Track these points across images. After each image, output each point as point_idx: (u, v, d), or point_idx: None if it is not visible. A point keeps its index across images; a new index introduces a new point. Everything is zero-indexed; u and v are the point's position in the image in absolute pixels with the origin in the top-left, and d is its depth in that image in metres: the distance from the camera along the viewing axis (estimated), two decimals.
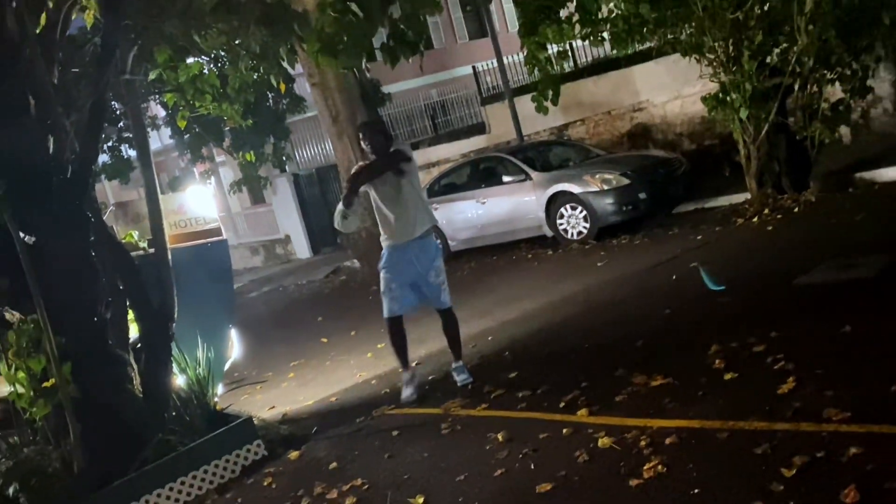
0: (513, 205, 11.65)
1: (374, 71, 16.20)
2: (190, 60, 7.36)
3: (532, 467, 4.31)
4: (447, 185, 13.01)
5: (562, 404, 5.06)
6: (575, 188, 10.85)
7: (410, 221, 5.82)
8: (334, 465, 5.25)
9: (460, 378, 6.10)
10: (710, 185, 11.42)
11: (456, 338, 6.20)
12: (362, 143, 5.99)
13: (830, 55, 8.94)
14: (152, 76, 6.93)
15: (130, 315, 6.01)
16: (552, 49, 11.08)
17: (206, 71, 7.01)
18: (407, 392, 6.12)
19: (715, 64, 9.62)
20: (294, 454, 5.71)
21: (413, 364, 6.43)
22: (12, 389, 5.21)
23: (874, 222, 7.48)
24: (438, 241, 6.35)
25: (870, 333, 4.71)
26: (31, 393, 5.23)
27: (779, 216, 8.85)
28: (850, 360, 4.41)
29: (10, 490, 5.19)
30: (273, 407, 7.17)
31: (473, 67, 17.86)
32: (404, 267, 5.88)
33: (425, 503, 4.29)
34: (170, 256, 6.17)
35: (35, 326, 5.16)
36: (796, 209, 8.92)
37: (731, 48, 9.34)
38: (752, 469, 3.57)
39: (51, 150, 5.45)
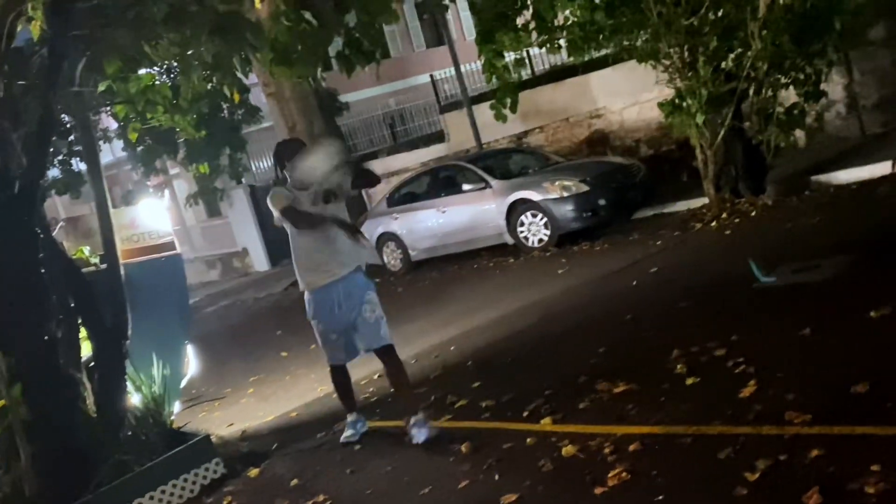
0: (473, 213, 11.63)
1: (331, 80, 16.10)
2: (141, 71, 7.22)
3: (497, 478, 4.25)
4: (407, 195, 12.95)
5: (525, 413, 5.02)
6: (535, 195, 10.85)
7: (335, 259, 5.00)
8: (295, 481, 5.15)
9: (420, 435, 4.99)
10: (669, 191, 11.51)
11: (405, 383, 5.28)
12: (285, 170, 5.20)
13: (784, 60, 9.06)
14: (102, 88, 6.78)
15: (83, 333, 5.85)
16: (509, 57, 11.10)
17: (157, 82, 6.88)
18: (348, 433, 5.51)
19: (671, 70, 9.69)
20: (254, 472, 5.59)
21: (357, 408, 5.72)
22: None
23: (831, 225, 7.57)
24: (371, 274, 5.50)
25: (829, 335, 4.74)
26: None
27: (737, 220, 8.93)
28: (810, 362, 4.43)
29: None
30: (232, 424, 7.04)
31: (431, 76, 17.86)
32: (336, 311, 5.08)
33: None
34: (122, 272, 6.03)
35: None
36: (754, 213, 9.00)
37: (686, 54, 9.42)
38: (716, 474, 3.55)
39: None
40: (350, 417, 5.56)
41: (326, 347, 5.28)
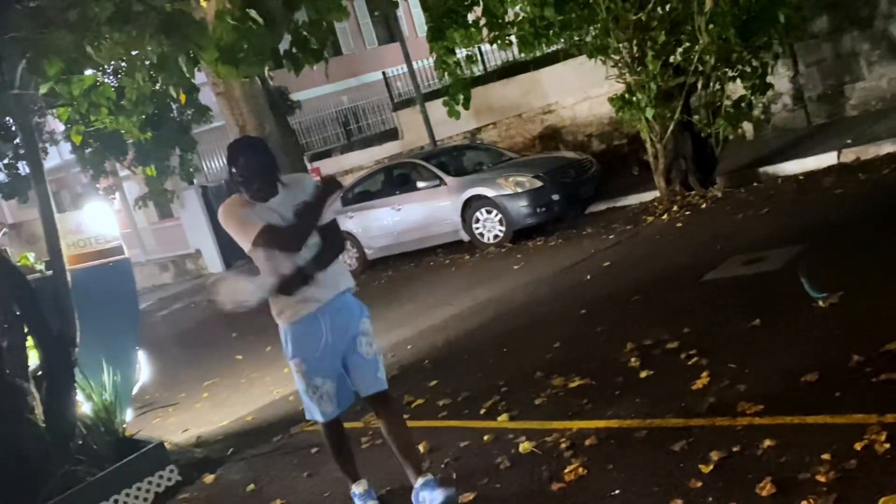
0: (428, 210, 11.60)
1: (282, 78, 15.94)
2: (88, 72, 7.05)
3: (454, 477, 4.24)
4: (361, 193, 12.87)
5: (482, 411, 5.02)
6: (489, 192, 10.87)
7: (321, 279, 3.78)
8: (252, 486, 5.09)
9: (436, 498, 3.85)
10: (621, 185, 11.61)
11: (408, 440, 4.10)
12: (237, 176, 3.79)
13: (731, 53, 9.18)
14: (43, 90, 6.61)
15: (29, 342, 5.70)
16: (461, 53, 11.08)
17: (100, 83, 6.72)
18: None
19: (620, 65, 9.77)
20: (209, 478, 5.51)
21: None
22: None
23: (779, 215, 7.69)
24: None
25: (778, 326, 4.81)
26: None
27: (687, 213, 9.03)
28: (760, 353, 4.50)
29: None
30: (187, 430, 6.92)
31: (384, 73, 17.79)
32: (322, 347, 3.83)
33: None
34: (69, 278, 5.89)
35: None
36: (704, 205, 9.11)
37: (635, 49, 9.51)
38: (671, 467, 3.59)
39: None
40: (357, 488, 4.22)
41: (311, 397, 3.91)
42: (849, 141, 9.30)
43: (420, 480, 3.96)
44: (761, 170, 9.64)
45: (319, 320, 3.79)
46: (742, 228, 7.62)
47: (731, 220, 8.06)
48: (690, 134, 9.76)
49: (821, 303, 4.81)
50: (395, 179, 12.54)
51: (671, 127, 9.57)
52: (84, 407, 5.86)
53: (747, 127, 11.07)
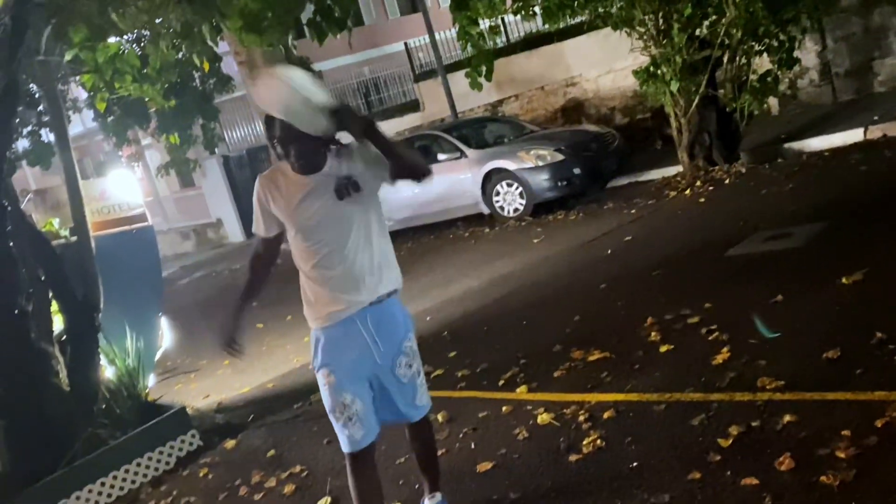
0: (449, 183, 11.56)
1: (304, 48, 15.89)
2: (109, 40, 7.06)
3: (472, 446, 4.27)
4: None
5: (501, 382, 5.04)
6: (510, 165, 10.82)
7: (364, 275, 3.18)
8: (272, 452, 5.15)
9: None
10: (643, 159, 11.53)
11: (434, 460, 3.70)
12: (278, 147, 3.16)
13: (758, 27, 9.05)
14: (68, 57, 6.64)
15: (54, 307, 5.78)
16: (484, 24, 10.99)
17: (125, 51, 6.74)
18: None
19: (645, 37, 9.67)
20: (230, 443, 5.58)
21: None
22: None
23: (803, 192, 7.62)
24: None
25: (801, 302, 4.78)
26: None
27: (710, 188, 8.96)
28: (782, 329, 4.47)
29: None
30: (208, 396, 7.01)
31: (405, 44, 17.67)
32: (357, 357, 3.19)
33: None
34: (93, 244, 5.95)
35: None
36: (727, 181, 9.04)
37: (660, 21, 9.40)
38: (689, 440, 3.59)
39: None
40: None
41: (339, 417, 3.22)
42: (876, 118, 9.17)
43: (430, 497, 3.63)
44: (786, 146, 9.54)
45: (358, 325, 3.17)
46: (766, 204, 7.56)
47: (755, 196, 7.99)
48: (715, 108, 9.66)
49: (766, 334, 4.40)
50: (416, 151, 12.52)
51: (696, 101, 9.48)
52: (107, 372, 5.94)
53: (773, 102, 10.94)
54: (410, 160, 3.30)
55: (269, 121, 3.10)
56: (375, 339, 3.18)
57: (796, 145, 9.45)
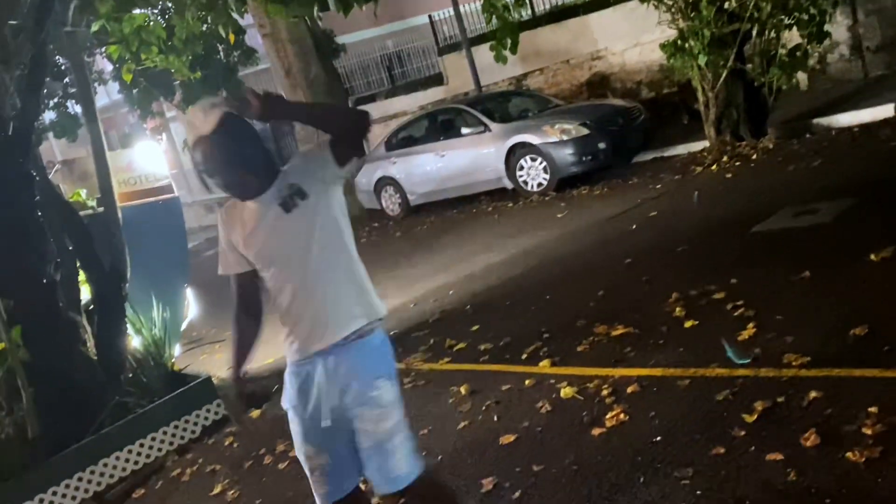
0: (472, 157, 11.54)
1: (328, 21, 15.85)
2: (135, 11, 7.07)
3: (495, 419, 4.29)
4: (405, 139, 12.85)
5: (524, 356, 5.05)
6: (534, 139, 10.76)
7: (326, 310, 2.66)
8: None
9: None
10: (669, 134, 11.43)
11: None
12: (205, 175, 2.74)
13: (788, 0, 8.90)
14: (95, 28, 6.66)
15: (82, 276, 5.85)
16: None
17: (151, 22, 6.75)
18: None
19: (673, 10, 9.54)
20: (255, 413, 5.64)
21: None
22: None
23: (831, 168, 7.52)
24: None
25: (829, 279, 4.73)
26: None
27: (737, 163, 8.87)
28: (809, 305, 4.44)
29: None
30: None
31: (430, 16, 17.55)
32: (316, 406, 2.68)
33: None
34: (120, 215, 6.00)
35: None
36: (754, 156, 8.94)
37: None
38: (714, 415, 3.58)
39: None
40: None
41: (311, 476, 2.78)
42: None
43: None
44: (815, 121, 9.41)
45: (316, 365, 2.66)
46: (793, 180, 7.48)
47: (783, 172, 7.90)
48: (743, 83, 9.53)
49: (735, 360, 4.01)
50: (439, 125, 12.48)
51: (724, 75, 9.35)
52: (134, 341, 6.02)
53: (802, 77, 10.77)
54: (333, 114, 2.83)
55: (193, 152, 2.66)
56: (329, 387, 2.63)
57: (825, 121, 9.32)
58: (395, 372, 2.73)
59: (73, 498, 5.02)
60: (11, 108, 5.31)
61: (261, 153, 2.68)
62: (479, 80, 14.95)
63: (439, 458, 4.05)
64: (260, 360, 6.95)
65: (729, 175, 8.52)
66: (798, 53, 9.21)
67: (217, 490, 4.61)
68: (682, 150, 10.54)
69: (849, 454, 2.96)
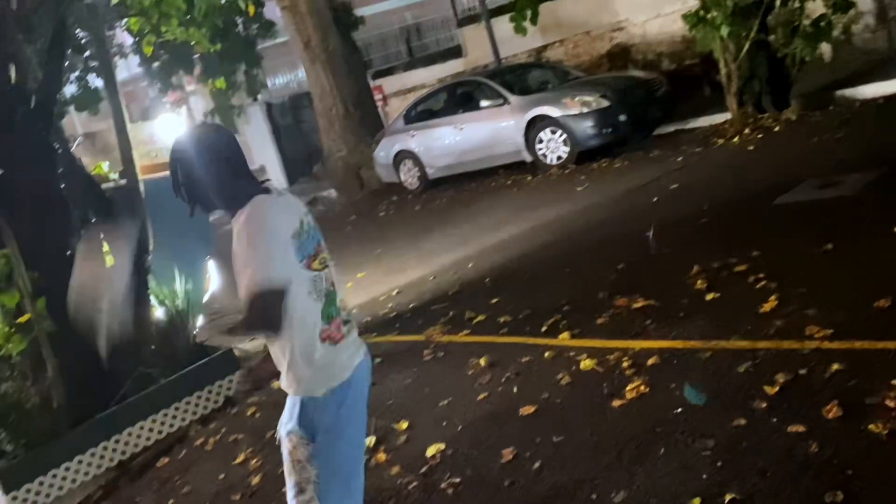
0: (491, 130, 11.48)
1: None
2: None
3: (515, 391, 4.31)
4: (423, 112, 12.80)
5: (544, 328, 5.05)
6: (554, 111, 10.69)
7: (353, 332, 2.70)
8: None
9: None
10: (691, 106, 11.31)
11: None
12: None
13: None
14: (115, 0, 6.67)
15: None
16: None
17: None
18: None
19: None
20: (277, 384, 5.65)
21: None
22: None
23: (855, 140, 7.43)
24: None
25: (852, 251, 4.70)
26: (6, 329, 5.15)
27: (759, 135, 8.78)
28: (832, 277, 4.41)
29: None
30: (254, 338, 7.12)
31: None
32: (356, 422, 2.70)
33: (409, 428, 4.29)
34: (142, 188, 6.04)
35: (6, 261, 5.05)
36: (777, 128, 8.84)
37: None
38: (735, 387, 3.58)
39: (12, 81, 5.25)
40: None
41: (339, 486, 2.63)
42: None
43: None
44: (838, 93, 9.28)
45: (350, 388, 2.64)
46: (816, 152, 7.40)
47: (806, 144, 7.82)
48: (766, 54, 9.41)
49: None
50: (458, 98, 12.42)
51: (746, 46, 9.23)
52: (157, 312, 6.06)
53: (825, 48, 10.61)
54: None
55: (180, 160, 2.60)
56: (357, 402, 2.70)
57: (849, 92, 9.19)
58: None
59: (99, 466, 5.10)
60: (33, 81, 5.34)
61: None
62: (498, 52, 14.86)
63: (459, 428, 4.08)
64: None
65: (751, 147, 8.44)
66: (822, 24, 9.07)
67: (240, 459, 4.66)
68: (703, 122, 10.45)
69: (871, 426, 2.95)
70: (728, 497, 2.85)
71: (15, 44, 5.28)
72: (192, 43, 7.83)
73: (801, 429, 3.08)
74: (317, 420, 2.57)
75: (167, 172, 2.60)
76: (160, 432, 5.35)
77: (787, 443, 3.05)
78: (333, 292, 2.63)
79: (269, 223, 2.47)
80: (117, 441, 5.19)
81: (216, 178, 2.56)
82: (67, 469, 4.99)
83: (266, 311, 2.42)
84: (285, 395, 5.37)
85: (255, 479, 4.33)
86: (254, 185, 2.59)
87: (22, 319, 5.09)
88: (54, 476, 4.94)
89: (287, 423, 2.61)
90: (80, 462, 5.03)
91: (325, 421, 2.57)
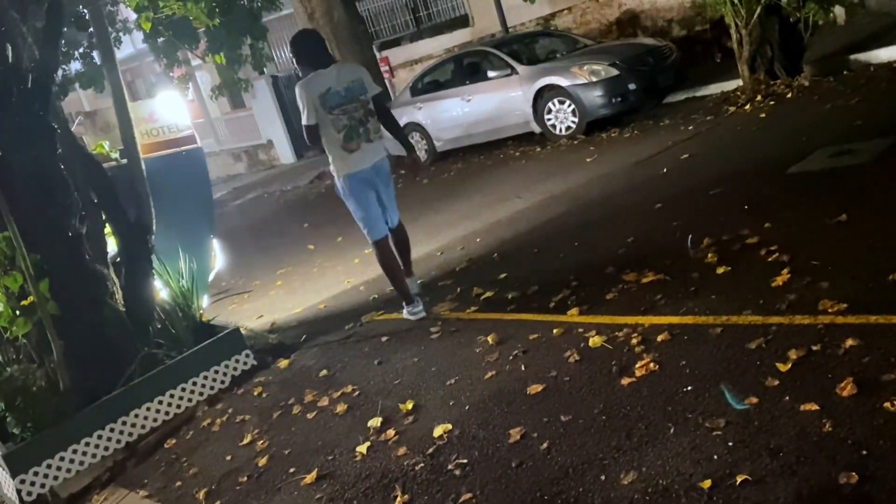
0: (499, 101, 11.35)
1: None
2: None
3: (523, 369, 4.24)
4: (431, 83, 12.66)
5: (552, 304, 4.97)
6: (562, 81, 10.54)
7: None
8: (324, 372, 5.20)
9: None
10: (701, 73, 11.16)
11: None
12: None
13: None
14: None
15: (107, 229, 5.84)
16: None
17: None
18: (417, 308, 5.58)
19: None
20: (283, 363, 5.65)
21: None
22: None
23: (870, 106, 7.28)
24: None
25: (867, 222, 4.59)
26: (10, 311, 5.12)
27: (772, 102, 8.63)
28: (846, 250, 4.30)
29: None
30: (261, 316, 7.09)
31: None
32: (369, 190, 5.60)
33: (416, 408, 4.23)
34: (143, 166, 5.97)
35: (7, 243, 5.00)
36: (789, 95, 8.69)
37: None
38: (747, 364, 3.50)
39: (9, 59, 5.17)
40: (412, 310, 5.58)
41: (366, 223, 5.66)
42: None
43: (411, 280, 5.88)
44: (852, 57, 9.11)
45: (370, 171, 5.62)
46: (830, 119, 7.26)
47: (819, 111, 7.67)
48: (778, 18, 9.23)
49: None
50: (465, 69, 12.27)
51: (758, 11, 9.06)
52: (162, 293, 6.02)
53: (839, 11, 10.40)
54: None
55: (297, 45, 5.59)
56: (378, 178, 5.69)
57: (863, 57, 9.02)
58: None
59: (106, 448, 5.07)
60: (30, 60, 5.25)
61: None
62: (505, 21, 14.68)
63: (466, 407, 4.02)
64: (288, 310, 6.97)
65: (763, 114, 8.29)
66: None
67: (247, 440, 4.63)
68: (714, 89, 10.31)
69: (887, 404, 2.87)
70: (740, 478, 2.78)
71: (10, 22, 5.18)
72: (192, 18, 7.71)
73: (814, 407, 3.00)
74: (348, 186, 5.51)
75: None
76: (167, 413, 5.32)
77: (799, 421, 2.97)
78: (352, 126, 5.40)
79: (305, 89, 5.28)
80: (124, 423, 5.16)
81: (305, 58, 5.49)
82: (75, 451, 4.97)
83: (308, 135, 5.43)
84: (290, 376, 5.43)
85: (262, 461, 4.29)
86: (320, 63, 5.39)
87: (25, 302, 5.05)
88: (62, 459, 4.93)
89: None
90: (87, 444, 5.01)
91: (352, 187, 5.49)
